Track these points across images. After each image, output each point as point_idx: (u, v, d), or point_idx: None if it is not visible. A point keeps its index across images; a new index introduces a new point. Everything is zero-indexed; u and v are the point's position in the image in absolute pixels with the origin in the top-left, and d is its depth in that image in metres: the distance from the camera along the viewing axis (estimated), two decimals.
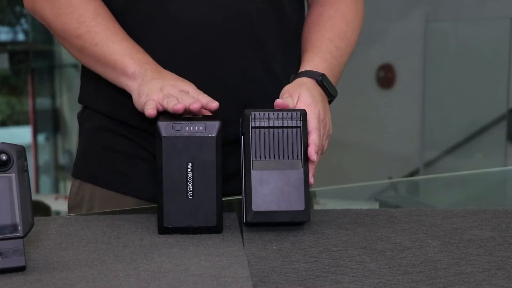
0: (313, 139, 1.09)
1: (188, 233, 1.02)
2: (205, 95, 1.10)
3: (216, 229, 1.03)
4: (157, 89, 1.10)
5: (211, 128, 1.02)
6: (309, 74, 1.20)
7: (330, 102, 1.22)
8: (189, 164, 1.02)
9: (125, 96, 1.19)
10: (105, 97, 1.26)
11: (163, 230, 1.03)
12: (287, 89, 1.17)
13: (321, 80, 1.19)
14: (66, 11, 1.20)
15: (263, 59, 1.25)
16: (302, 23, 1.34)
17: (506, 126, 4.58)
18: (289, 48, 1.30)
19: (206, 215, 1.02)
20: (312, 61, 1.23)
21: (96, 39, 1.18)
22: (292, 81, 1.21)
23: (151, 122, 1.19)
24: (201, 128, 1.02)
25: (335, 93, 1.22)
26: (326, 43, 1.25)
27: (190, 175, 1.02)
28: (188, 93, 1.10)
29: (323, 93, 1.19)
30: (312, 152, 1.07)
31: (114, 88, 1.21)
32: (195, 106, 1.05)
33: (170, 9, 1.20)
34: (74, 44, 1.21)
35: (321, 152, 1.13)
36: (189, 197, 1.02)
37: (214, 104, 1.07)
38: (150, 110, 1.06)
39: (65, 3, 1.20)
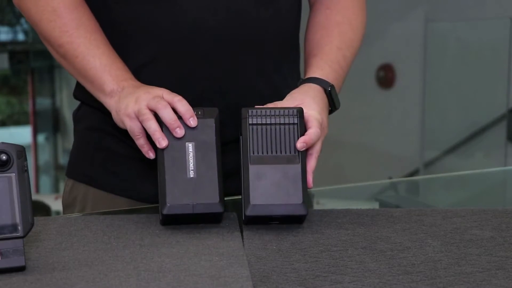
0: (310, 132, 1.08)
1: (191, 215, 1.02)
2: (181, 100, 1.09)
3: (219, 207, 1.03)
4: (133, 101, 1.10)
5: (210, 113, 1.07)
6: (319, 82, 1.20)
7: (330, 112, 1.23)
8: (189, 144, 1.04)
9: None
10: None
11: (166, 211, 1.02)
12: (290, 94, 1.17)
13: (329, 91, 1.20)
14: (49, 17, 1.19)
15: (258, 62, 1.25)
16: (298, 24, 1.33)
17: (506, 126, 4.58)
18: (283, 51, 1.30)
19: (208, 194, 1.03)
20: (322, 69, 1.23)
21: (77, 51, 1.18)
22: (299, 85, 1.21)
23: None
24: (200, 113, 1.07)
25: (339, 106, 1.22)
26: (335, 51, 1.25)
27: (191, 154, 1.04)
28: (162, 97, 1.09)
29: (327, 103, 1.20)
30: (300, 140, 1.07)
31: None
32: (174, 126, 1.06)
33: (167, 10, 1.20)
34: (57, 51, 1.21)
35: (317, 155, 1.13)
36: (191, 176, 1.03)
37: (193, 122, 1.07)
38: (143, 149, 1.10)
39: (49, 9, 1.19)
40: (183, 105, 1.07)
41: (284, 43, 1.30)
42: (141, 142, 1.10)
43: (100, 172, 1.28)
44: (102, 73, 1.16)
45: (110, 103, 1.15)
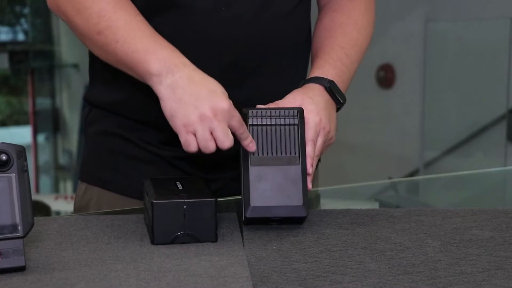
0: (309, 151, 1.10)
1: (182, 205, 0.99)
2: (243, 128, 1.07)
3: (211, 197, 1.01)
4: (195, 116, 1.05)
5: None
6: (318, 80, 1.20)
7: (338, 109, 1.23)
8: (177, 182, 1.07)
9: (146, 98, 1.17)
10: (122, 98, 1.25)
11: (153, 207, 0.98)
12: (291, 94, 1.18)
13: (329, 87, 1.19)
14: (85, 5, 1.13)
15: (279, 76, 1.26)
16: (310, 31, 1.34)
17: (506, 126, 4.58)
18: (300, 60, 1.31)
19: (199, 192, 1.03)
20: (322, 68, 1.23)
21: (117, 35, 1.11)
22: (300, 86, 1.21)
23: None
24: None
25: (344, 99, 1.22)
26: (337, 50, 1.25)
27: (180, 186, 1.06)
28: (227, 124, 1.06)
29: (330, 100, 1.19)
30: (308, 165, 1.08)
31: (133, 90, 1.21)
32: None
33: (194, 23, 1.19)
34: (95, 41, 1.14)
35: (317, 155, 1.13)
36: (180, 188, 1.05)
37: (254, 147, 1.08)
38: (190, 148, 1.06)
39: None
40: (246, 137, 1.08)
41: (300, 54, 1.31)
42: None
43: (113, 175, 1.28)
44: (146, 55, 1.09)
45: (161, 91, 1.08)
